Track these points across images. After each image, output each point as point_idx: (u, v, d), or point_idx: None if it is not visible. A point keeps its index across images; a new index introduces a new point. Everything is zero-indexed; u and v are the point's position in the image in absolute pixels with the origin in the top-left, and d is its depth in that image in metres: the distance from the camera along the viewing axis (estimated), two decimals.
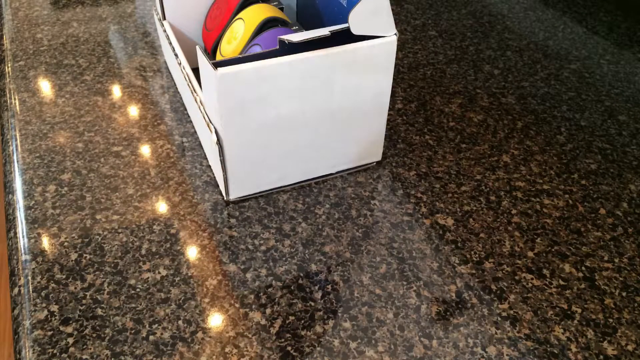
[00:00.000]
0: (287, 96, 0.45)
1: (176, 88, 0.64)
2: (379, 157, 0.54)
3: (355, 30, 0.44)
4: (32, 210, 0.48)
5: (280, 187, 0.51)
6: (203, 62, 0.44)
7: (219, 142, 0.46)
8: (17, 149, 0.54)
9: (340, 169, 0.53)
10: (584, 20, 0.82)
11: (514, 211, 0.50)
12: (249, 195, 0.50)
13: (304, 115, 0.47)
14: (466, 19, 0.82)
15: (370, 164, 0.54)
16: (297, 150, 0.49)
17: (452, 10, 0.84)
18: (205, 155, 0.55)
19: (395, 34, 0.46)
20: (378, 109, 0.50)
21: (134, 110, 0.60)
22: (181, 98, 0.62)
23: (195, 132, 0.57)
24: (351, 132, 0.51)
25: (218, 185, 0.51)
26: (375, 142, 0.53)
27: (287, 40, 0.44)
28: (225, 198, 0.50)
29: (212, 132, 0.46)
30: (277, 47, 0.45)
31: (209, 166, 0.53)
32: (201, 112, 0.49)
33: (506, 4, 0.86)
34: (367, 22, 0.44)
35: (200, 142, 0.56)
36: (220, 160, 0.47)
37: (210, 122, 0.47)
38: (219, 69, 0.41)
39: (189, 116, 0.60)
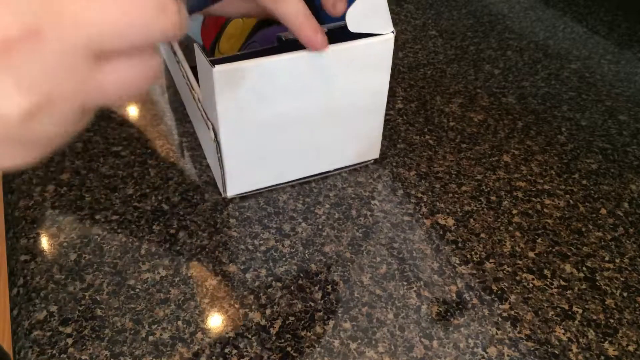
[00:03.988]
0: (284, 93, 0.45)
1: (175, 87, 0.64)
2: (377, 155, 0.54)
3: (353, 28, 0.44)
4: (31, 210, 0.48)
5: (278, 184, 0.51)
6: (200, 59, 0.44)
7: (217, 139, 0.46)
8: None
9: (338, 166, 0.53)
10: (584, 20, 0.82)
11: (514, 211, 0.50)
12: (247, 192, 0.50)
13: (301, 112, 0.47)
14: (466, 18, 0.82)
15: (368, 161, 0.54)
16: (294, 147, 0.49)
17: (452, 10, 0.84)
18: (204, 155, 0.54)
19: (393, 32, 0.46)
20: (376, 107, 0.50)
21: (133, 110, 0.60)
22: (181, 97, 0.62)
23: (194, 131, 0.57)
24: (349, 129, 0.50)
25: (218, 185, 0.51)
26: (373, 140, 0.53)
27: (284, 37, 0.44)
28: (222, 195, 0.50)
29: (210, 129, 0.46)
30: (275, 44, 0.45)
31: (209, 166, 0.53)
32: (199, 109, 0.49)
33: (506, 3, 0.86)
34: (364, 20, 0.44)
35: (199, 142, 0.56)
36: (218, 157, 0.47)
37: (208, 119, 0.47)
38: (216, 65, 0.41)
39: (188, 116, 0.59)
